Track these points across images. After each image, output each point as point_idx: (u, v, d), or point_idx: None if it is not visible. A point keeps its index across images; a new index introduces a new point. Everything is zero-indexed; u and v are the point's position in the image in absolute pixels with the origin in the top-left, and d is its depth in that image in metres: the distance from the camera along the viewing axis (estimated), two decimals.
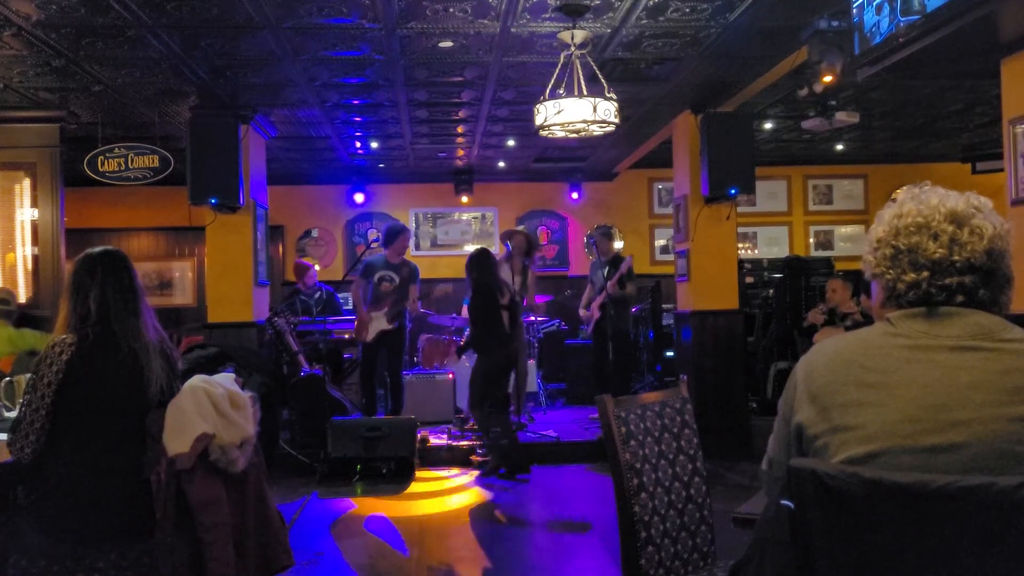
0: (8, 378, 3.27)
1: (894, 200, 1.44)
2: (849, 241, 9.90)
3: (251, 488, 2.50)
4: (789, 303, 7.69)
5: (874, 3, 3.51)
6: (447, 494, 5.59)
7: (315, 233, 9.67)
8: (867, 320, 5.54)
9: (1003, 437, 1.23)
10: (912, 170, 9.44)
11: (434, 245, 9.77)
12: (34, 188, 6.02)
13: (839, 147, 8.90)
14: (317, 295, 7.74)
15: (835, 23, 4.16)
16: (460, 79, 5.66)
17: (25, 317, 5.38)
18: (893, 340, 1.35)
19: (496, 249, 7.70)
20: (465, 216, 9.79)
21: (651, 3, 4.29)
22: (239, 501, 2.45)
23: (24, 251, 6.04)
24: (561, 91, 4.58)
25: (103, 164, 6.01)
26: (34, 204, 6.03)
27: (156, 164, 6.04)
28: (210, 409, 2.40)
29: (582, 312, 7.52)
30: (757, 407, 7.27)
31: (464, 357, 7.03)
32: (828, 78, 4.36)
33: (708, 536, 2.33)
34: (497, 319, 5.84)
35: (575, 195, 9.69)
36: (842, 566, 1.25)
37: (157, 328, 2.51)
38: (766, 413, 6.96)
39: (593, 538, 4.57)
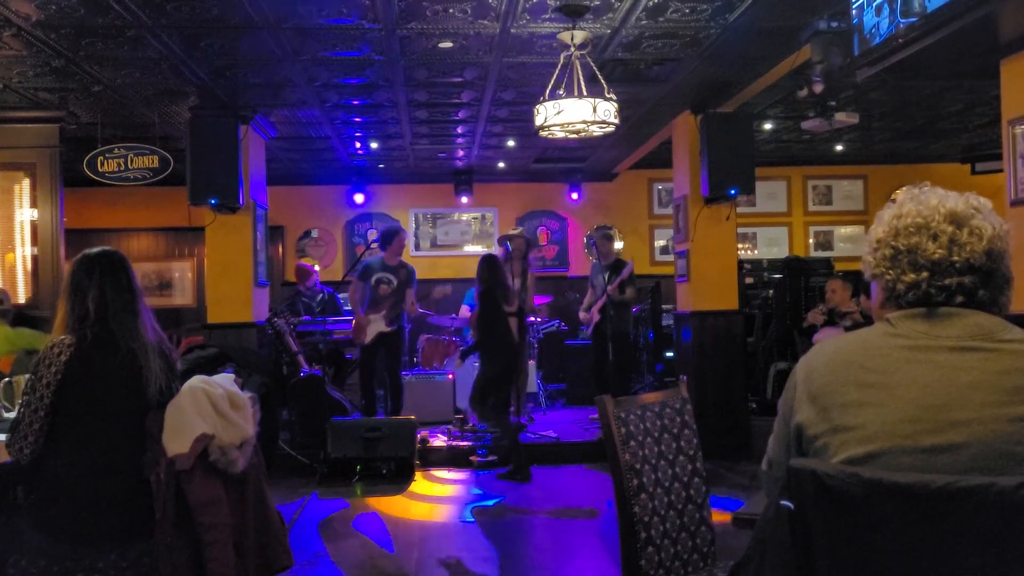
0: (7, 378, 3.27)
1: (894, 201, 1.44)
2: (849, 242, 9.90)
3: (251, 488, 2.50)
4: (789, 303, 7.69)
5: (874, 4, 3.51)
6: (447, 495, 5.59)
7: (315, 233, 9.67)
8: (867, 320, 5.54)
9: (1003, 437, 1.23)
10: (912, 171, 9.44)
11: (434, 245, 9.77)
12: (34, 188, 6.02)
13: (839, 148, 8.91)
14: (319, 296, 7.74)
15: (835, 24, 4.16)
16: (460, 80, 5.66)
17: (24, 317, 5.37)
18: (893, 340, 1.35)
19: (496, 250, 7.69)
20: (465, 216, 9.79)
21: (651, 4, 4.29)
22: (239, 501, 2.45)
23: (24, 251, 6.04)
24: (561, 92, 4.58)
25: (103, 164, 6.01)
26: (34, 204, 6.03)
27: (156, 164, 6.03)
28: (210, 410, 2.40)
29: (582, 315, 7.52)
30: (757, 407, 7.27)
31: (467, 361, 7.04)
32: (819, 88, 4.37)
33: (708, 536, 2.33)
34: (504, 326, 5.84)
35: (575, 195, 9.69)
36: (842, 566, 1.26)
37: (156, 328, 2.51)
38: (766, 413, 6.96)
39: (593, 538, 4.57)
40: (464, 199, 9.45)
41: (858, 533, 1.23)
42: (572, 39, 4.57)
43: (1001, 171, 4.13)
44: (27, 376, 2.43)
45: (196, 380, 2.47)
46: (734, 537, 1.97)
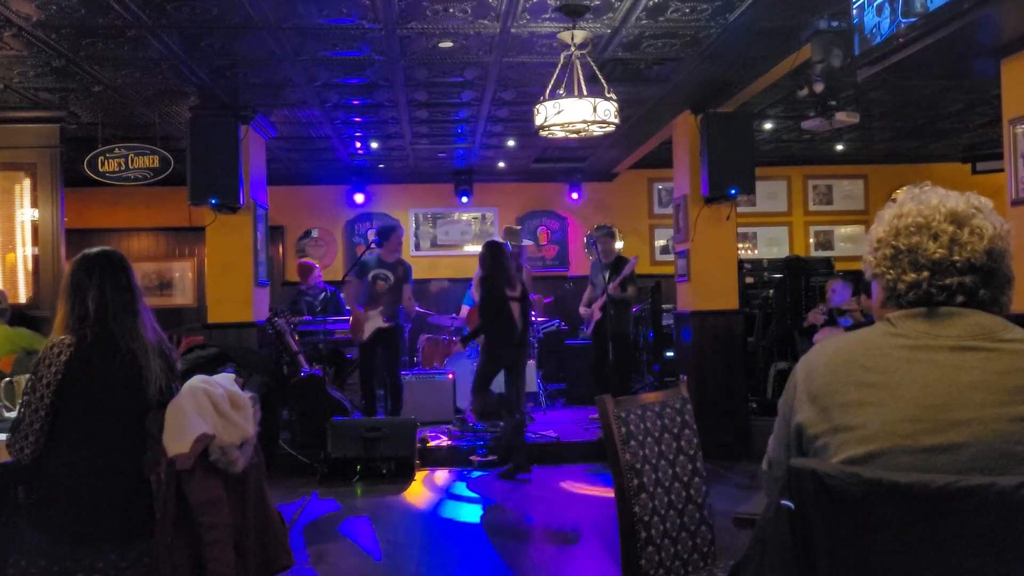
0: (8, 378, 3.27)
1: (894, 200, 1.44)
2: (849, 241, 9.90)
3: (251, 488, 2.50)
4: (789, 303, 7.69)
5: (874, 4, 3.51)
6: (446, 495, 5.59)
7: (315, 233, 9.67)
8: (867, 319, 5.54)
9: (1003, 437, 1.23)
10: (912, 170, 9.44)
11: (434, 245, 9.78)
12: (34, 188, 6.02)
13: (839, 147, 8.90)
14: (322, 295, 7.73)
15: (835, 23, 4.16)
16: (460, 79, 5.66)
17: (24, 317, 5.38)
18: (893, 340, 1.35)
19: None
20: (465, 216, 9.79)
21: (651, 3, 4.29)
22: (239, 501, 2.45)
23: (24, 251, 6.04)
24: (561, 91, 4.58)
25: (103, 164, 6.01)
26: (34, 204, 6.03)
27: (156, 164, 6.04)
28: (210, 409, 2.40)
29: (582, 310, 7.51)
30: (757, 407, 7.26)
31: (462, 354, 7.04)
32: (820, 87, 4.37)
33: (708, 536, 2.33)
34: (506, 310, 5.83)
35: (575, 195, 9.69)
36: (842, 566, 1.25)
37: (155, 328, 2.51)
38: (766, 413, 6.96)
39: (593, 538, 4.57)
40: (464, 199, 9.45)
41: (858, 533, 1.23)
42: (572, 39, 4.56)
43: (1002, 171, 4.12)
44: (27, 376, 2.43)
45: (196, 380, 2.47)
46: (734, 537, 1.97)
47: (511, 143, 7.87)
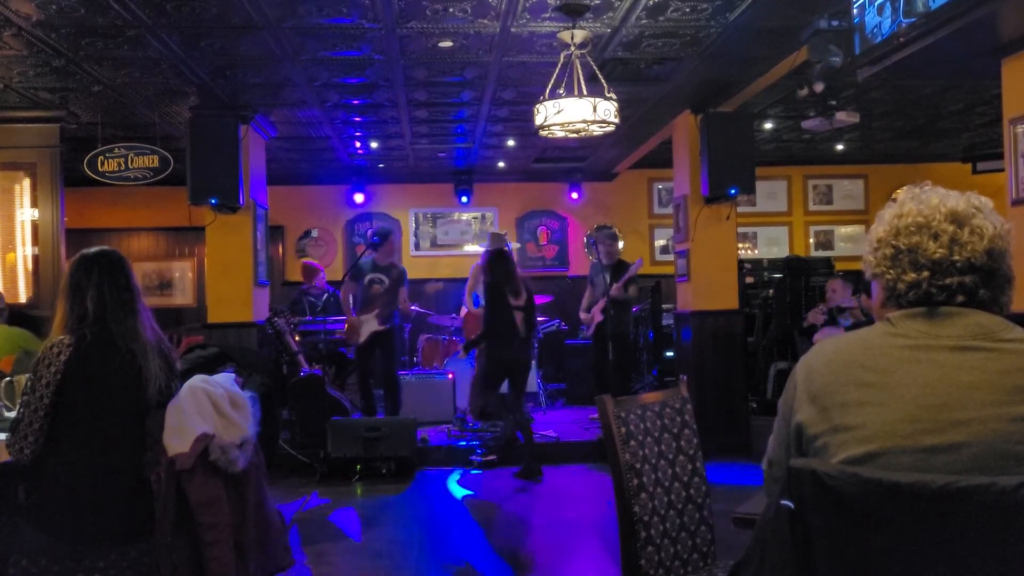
0: (8, 378, 3.27)
1: (894, 200, 1.44)
2: (849, 241, 9.90)
3: (251, 488, 2.50)
4: (789, 303, 7.69)
5: (875, 3, 3.51)
6: (446, 495, 5.59)
7: (315, 233, 9.67)
8: (867, 319, 5.54)
9: (1003, 437, 1.23)
10: (912, 170, 9.43)
11: (434, 245, 9.78)
12: (34, 188, 6.02)
13: (839, 147, 8.90)
14: (324, 297, 7.73)
15: (835, 23, 4.16)
16: (460, 79, 5.66)
17: (23, 316, 5.38)
18: (893, 340, 1.35)
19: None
20: (465, 216, 9.79)
21: (651, 3, 4.29)
22: (239, 501, 2.45)
23: (24, 251, 6.04)
24: (561, 91, 4.58)
25: (103, 164, 6.01)
26: (34, 204, 6.03)
27: (156, 164, 6.04)
28: (210, 409, 2.40)
29: (582, 315, 7.50)
30: (757, 407, 7.26)
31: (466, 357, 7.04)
32: (820, 87, 4.36)
33: (708, 536, 2.33)
34: (507, 318, 5.83)
35: (575, 195, 9.69)
36: (842, 566, 1.25)
37: (155, 328, 2.51)
38: (766, 413, 6.95)
39: (593, 538, 4.57)
40: (464, 199, 9.45)
41: (858, 533, 1.23)
42: (572, 38, 4.56)
43: (1002, 170, 4.12)
44: (27, 376, 2.43)
45: (196, 380, 2.47)
46: (734, 537, 1.96)
47: (511, 143, 7.87)
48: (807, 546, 1.27)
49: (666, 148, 7.36)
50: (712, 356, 6.55)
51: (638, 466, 2.18)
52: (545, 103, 4.45)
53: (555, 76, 4.65)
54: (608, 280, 6.99)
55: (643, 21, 4.55)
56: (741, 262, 7.63)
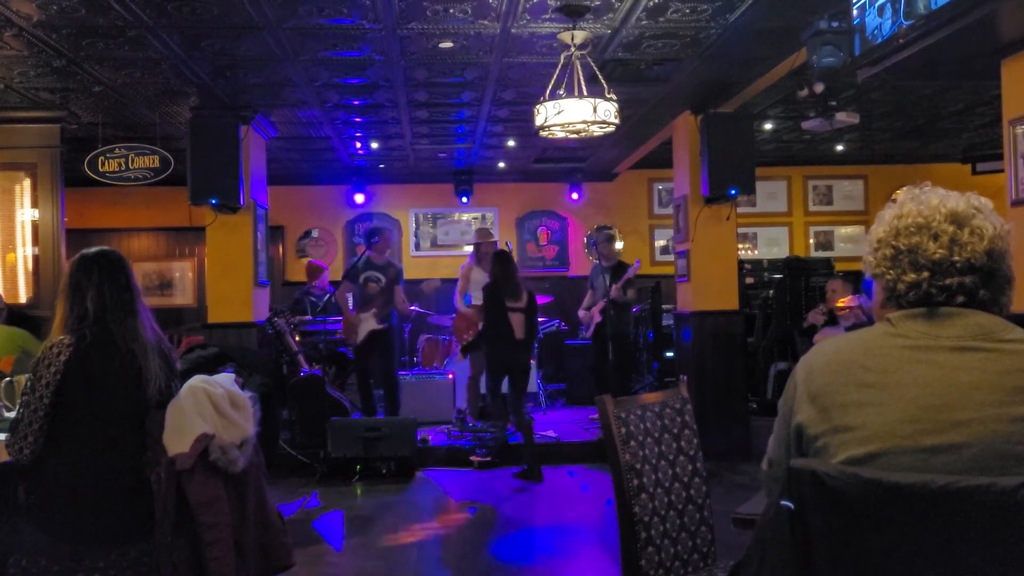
0: (8, 378, 3.27)
1: (894, 201, 1.44)
2: (849, 242, 9.90)
3: (251, 488, 2.50)
4: (789, 304, 7.69)
5: (876, 4, 3.51)
6: (446, 495, 5.59)
7: (315, 233, 9.67)
8: (868, 319, 5.54)
9: (1003, 437, 1.23)
10: (912, 171, 9.44)
11: (434, 245, 9.78)
12: (34, 188, 6.02)
13: (839, 148, 8.90)
14: (326, 297, 7.73)
15: (835, 24, 4.16)
16: (460, 80, 5.66)
17: (23, 316, 5.38)
18: (893, 340, 1.35)
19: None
20: (465, 216, 9.79)
21: (651, 4, 4.29)
22: (239, 501, 2.45)
23: (24, 251, 6.04)
24: (561, 92, 4.58)
25: (103, 164, 6.02)
26: (34, 204, 6.03)
27: (156, 164, 6.04)
28: (210, 409, 2.40)
29: (581, 314, 7.51)
30: (757, 407, 7.26)
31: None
32: (820, 88, 4.37)
33: (708, 536, 2.33)
34: (504, 321, 5.83)
35: (575, 195, 9.69)
36: (842, 567, 1.25)
37: (155, 328, 2.51)
38: (766, 413, 6.96)
39: (593, 538, 4.57)
40: (464, 199, 9.46)
41: (858, 533, 1.23)
42: (572, 39, 4.57)
43: (1002, 171, 4.12)
44: (27, 376, 2.43)
45: (196, 380, 2.47)
46: (734, 537, 1.97)
47: (511, 143, 7.87)
48: (807, 546, 1.27)
49: (666, 148, 7.37)
50: (712, 356, 6.55)
51: (638, 466, 2.18)
52: (545, 104, 4.45)
53: (555, 77, 4.65)
54: (608, 281, 6.99)
55: (643, 22, 4.55)
56: (741, 262, 7.63)
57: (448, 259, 9.64)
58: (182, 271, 9.44)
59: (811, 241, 9.95)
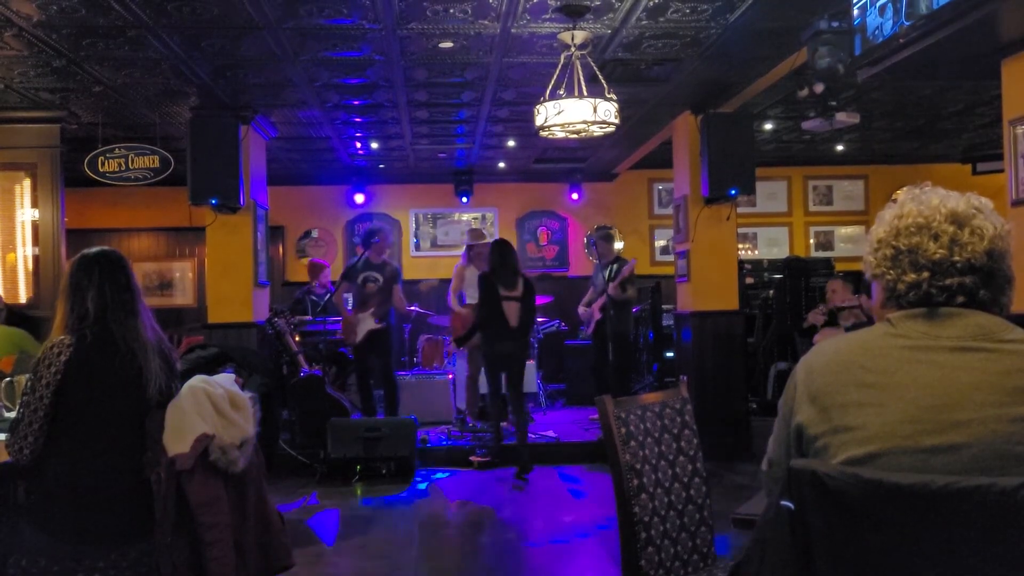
0: (8, 378, 3.27)
1: (895, 201, 1.44)
2: (849, 242, 9.90)
3: (251, 488, 2.50)
4: (789, 304, 7.70)
5: (877, 4, 3.51)
6: (446, 495, 5.59)
7: (315, 233, 9.67)
8: (868, 319, 5.53)
9: (1003, 438, 1.23)
10: (912, 171, 9.44)
11: (434, 245, 9.78)
12: (34, 188, 6.02)
13: (839, 148, 8.90)
14: (327, 296, 7.73)
15: (835, 24, 4.16)
16: (460, 80, 5.66)
17: (23, 316, 5.38)
18: (893, 341, 1.35)
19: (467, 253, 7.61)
20: (465, 217, 9.79)
21: (651, 4, 4.29)
22: (239, 501, 2.45)
23: (24, 251, 6.04)
24: (561, 92, 4.58)
25: (103, 164, 6.02)
26: (34, 204, 6.03)
27: (156, 164, 6.04)
28: (210, 409, 2.40)
29: (581, 310, 7.51)
30: (757, 408, 7.27)
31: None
32: (820, 88, 4.37)
33: (708, 536, 2.33)
34: (497, 310, 5.80)
35: (575, 196, 9.69)
36: (842, 567, 1.25)
37: (155, 328, 2.51)
38: (766, 414, 6.96)
39: (593, 539, 4.57)
40: (464, 199, 9.46)
41: (858, 534, 1.23)
42: (572, 39, 4.57)
43: (1002, 171, 4.12)
44: (27, 376, 2.43)
45: (197, 380, 2.47)
46: (734, 537, 1.97)
47: (511, 143, 7.87)
48: (807, 547, 1.27)
49: (666, 149, 7.37)
50: (712, 357, 6.55)
51: (638, 467, 2.18)
52: (545, 104, 4.45)
53: (555, 77, 4.65)
54: (607, 280, 7.02)
55: (643, 22, 4.55)
56: (741, 263, 7.63)
57: (448, 259, 9.62)
58: (182, 271, 9.44)
59: (811, 241, 9.95)
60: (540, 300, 8.10)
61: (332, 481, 5.85)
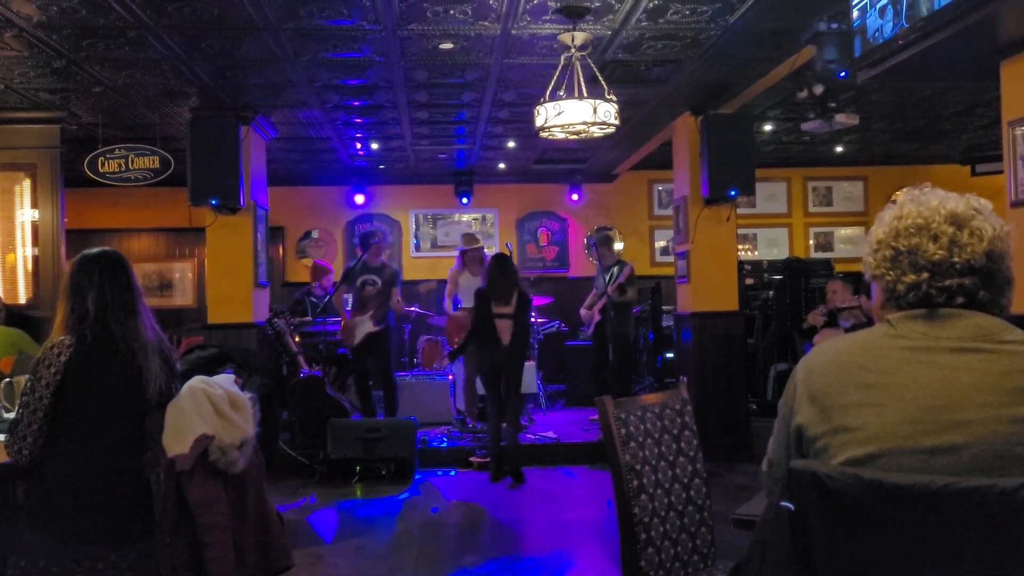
0: (8, 378, 3.27)
1: (894, 202, 1.44)
2: (849, 243, 9.90)
3: (251, 489, 2.50)
4: (789, 304, 7.70)
5: (877, 6, 3.51)
6: (446, 495, 5.59)
7: (315, 234, 9.67)
8: (868, 320, 5.54)
9: (1003, 438, 1.23)
10: (912, 172, 9.44)
11: (434, 246, 9.78)
12: (34, 189, 6.02)
13: (839, 149, 8.91)
14: (327, 298, 7.73)
15: (835, 25, 4.16)
16: (460, 81, 5.67)
17: (23, 317, 5.38)
18: (893, 341, 1.35)
19: (492, 251, 7.66)
20: (465, 217, 9.79)
21: (651, 5, 4.30)
22: (239, 502, 2.45)
23: (24, 252, 6.04)
24: (561, 93, 4.58)
25: (103, 165, 6.02)
26: (34, 205, 6.03)
27: (156, 165, 6.04)
28: (210, 410, 2.40)
29: (583, 312, 7.52)
30: (757, 408, 7.26)
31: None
32: (820, 89, 4.37)
33: (708, 537, 2.33)
34: (489, 326, 5.77)
35: (575, 196, 9.69)
36: (842, 567, 1.26)
37: (155, 328, 2.51)
38: (766, 414, 6.96)
39: (593, 539, 4.57)
40: (464, 200, 9.46)
41: (858, 534, 1.23)
42: (572, 40, 4.57)
43: (1001, 172, 4.12)
44: (27, 376, 2.43)
45: (196, 380, 2.47)
46: (734, 537, 1.97)
47: (511, 144, 7.87)
48: (807, 547, 1.27)
49: (666, 150, 7.37)
50: (712, 357, 6.55)
51: (638, 467, 2.18)
52: (545, 105, 4.46)
53: (555, 78, 4.66)
54: (607, 281, 7.03)
55: (643, 23, 4.56)
56: (741, 263, 7.63)
57: (448, 260, 9.59)
58: (182, 272, 9.44)
59: (811, 242, 9.96)
60: (540, 301, 8.13)
61: (332, 482, 5.85)
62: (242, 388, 2.60)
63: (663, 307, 8.07)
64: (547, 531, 4.77)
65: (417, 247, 9.73)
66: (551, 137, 4.66)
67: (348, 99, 6.12)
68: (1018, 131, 3.86)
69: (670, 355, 7.64)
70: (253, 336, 6.36)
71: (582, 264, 9.68)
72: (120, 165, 6.02)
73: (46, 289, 5.91)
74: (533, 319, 7.78)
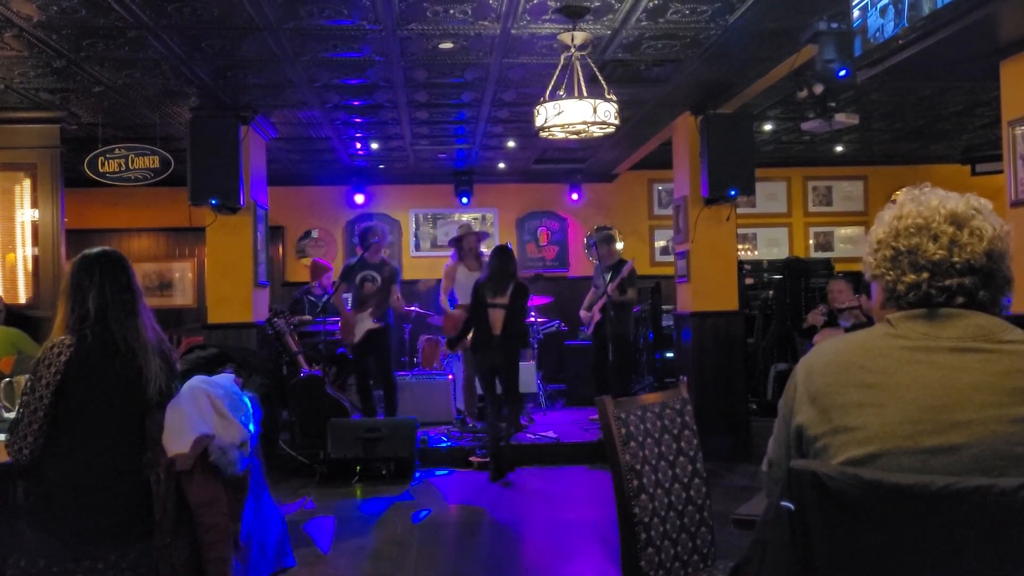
0: (8, 378, 3.27)
1: (894, 202, 1.44)
2: (849, 242, 9.90)
3: (251, 489, 2.50)
4: (789, 304, 7.70)
5: (878, 6, 3.51)
6: (446, 495, 5.59)
7: (315, 234, 9.67)
8: (868, 320, 5.54)
9: (1003, 438, 1.23)
10: (912, 172, 9.44)
11: (434, 246, 9.78)
12: (34, 189, 6.02)
13: (839, 148, 8.91)
14: (325, 297, 7.72)
15: (835, 25, 4.16)
16: (460, 80, 5.67)
17: (23, 317, 5.38)
18: (893, 341, 1.35)
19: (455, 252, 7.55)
20: (465, 217, 9.79)
21: (651, 5, 4.30)
22: (239, 502, 2.46)
23: (24, 252, 6.04)
24: (561, 92, 4.58)
25: (103, 165, 6.02)
26: (34, 205, 6.03)
27: (156, 165, 6.04)
28: (210, 410, 2.40)
29: (583, 313, 7.52)
30: (757, 408, 7.27)
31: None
32: (820, 89, 4.37)
33: (708, 537, 2.33)
34: (482, 316, 5.79)
35: (575, 196, 9.69)
36: (842, 567, 1.26)
37: (155, 328, 2.51)
38: (766, 414, 6.96)
39: (593, 539, 4.57)
40: (464, 200, 9.46)
41: (858, 534, 1.23)
42: (572, 40, 4.57)
43: (1001, 172, 4.13)
44: (27, 376, 2.43)
45: (196, 380, 2.47)
46: (734, 537, 1.97)
47: (511, 144, 7.87)
48: (807, 547, 1.27)
49: (666, 149, 7.37)
50: (712, 357, 6.55)
51: (638, 467, 2.18)
52: (545, 104, 4.45)
53: (555, 77, 4.65)
54: (608, 281, 7.02)
55: (643, 23, 4.56)
56: (741, 263, 7.63)
57: (448, 260, 9.64)
58: (182, 271, 9.44)
59: (811, 242, 9.95)
60: (540, 300, 8.12)
61: (332, 481, 5.85)
62: (242, 388, 2.60)
63: (663, 307, 8.07)
64: (547, 531, 4.77)
65: (417, 247, 9.73)
66: (551, 137, 4.66)
67: (348, 99, 6.12)
68: (1018, 131, 3.86)
69: (670, 355, 7.64)
70: (253, 336, 6.36)
71: (582, 264, 9.68)
72: (120, 165, 6.02)
73: (46, 289, 5.91)
74: (533, 319, 7.78)
